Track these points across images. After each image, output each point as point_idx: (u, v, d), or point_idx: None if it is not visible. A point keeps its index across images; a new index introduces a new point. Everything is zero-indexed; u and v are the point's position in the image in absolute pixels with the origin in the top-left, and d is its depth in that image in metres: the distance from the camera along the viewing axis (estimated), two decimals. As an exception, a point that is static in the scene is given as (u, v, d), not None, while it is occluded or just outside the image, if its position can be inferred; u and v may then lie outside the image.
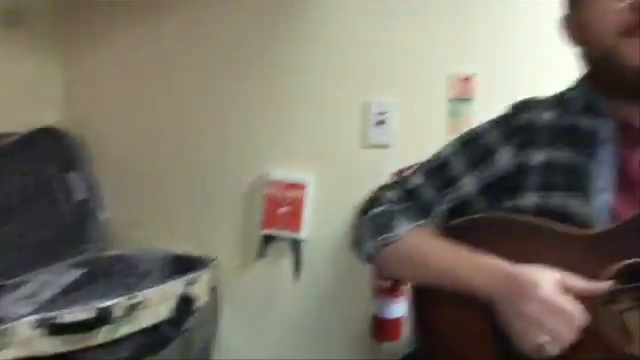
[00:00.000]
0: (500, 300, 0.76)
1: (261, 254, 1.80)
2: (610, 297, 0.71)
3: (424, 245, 0.88)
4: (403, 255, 0.89)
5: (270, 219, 1.77)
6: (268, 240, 1.79)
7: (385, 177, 1.06)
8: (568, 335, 0.70)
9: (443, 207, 0.91)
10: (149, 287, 1.41)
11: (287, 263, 1.80)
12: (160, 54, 1.91)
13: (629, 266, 0.70)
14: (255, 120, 1.83)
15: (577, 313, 0.70)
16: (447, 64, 1.65)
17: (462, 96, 1.64)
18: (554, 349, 0.70)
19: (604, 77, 0.82)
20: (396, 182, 0.98)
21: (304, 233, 1.75)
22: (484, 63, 1.60)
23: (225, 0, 1.82)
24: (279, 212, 1.76)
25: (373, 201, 0.96)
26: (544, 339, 0.70)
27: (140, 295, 1.35)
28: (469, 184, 0.89)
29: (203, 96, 1.87)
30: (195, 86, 1.88)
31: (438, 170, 0.92)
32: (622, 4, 0.75)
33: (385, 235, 0.89)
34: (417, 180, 0.94)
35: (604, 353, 0.70)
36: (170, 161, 1.90)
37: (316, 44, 1.76)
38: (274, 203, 1.76)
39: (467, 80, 1.63)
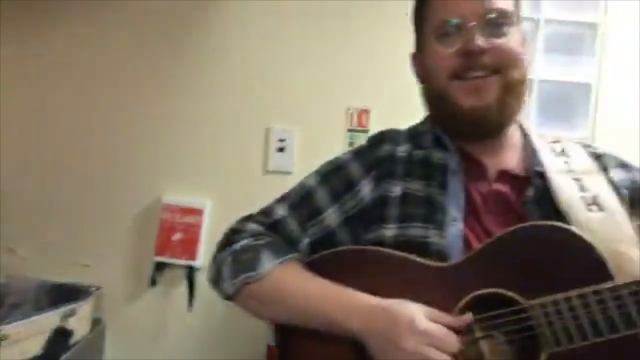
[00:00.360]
0: (372, 335, 0.76)
1: (153, 282, 1.72)
2: (466, 328, 0.74)
3: (288, 283, 0.85)
4: (265, 293, 0.85)
5: (164, 245, 1.69)
6: (160, 267, 1.72)
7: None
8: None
9: (307, 240, 0.89)
10: (17, 320, 1.27)
11: (180, 292, 1.73)
12: (45, 66, 1.78)
13: (478, 297, 0.73)
14: (151, 141, 1.76)
15: (455, 340, 0.72)
16: (346, 97, 1.74)
17: (359, 127, 1.72)
18: None
19: (441, 115, 0.88)
20: (259, 213, 0.94)
21: (200, 260, 1.70)
22: (378, 98, 1.72)
23: (124, 15, 1.75)
24: (173, 238, 1.69)
25: (235, 233, 0.92)
26: None
27: (4, 329, 1.22)
28: (332, 216, 0.89)
29: (91, 111, 1.76)
30: (84, 101, 1.77)
31: (302, 202, 0.91)
32: (451, 50, 0.82)
33: (248, 274, 0.85)
34: (281, 211, 0.91)
35: None
36: (52, 180, 1.76)
37: (218, 66, 1.75)
38: (168, 228, 1.69)
39: (364, 112, 1.72)
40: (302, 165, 1.73)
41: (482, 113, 0.82)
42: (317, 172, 0.94)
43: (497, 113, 0.82)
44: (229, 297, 0.89)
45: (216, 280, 0.90)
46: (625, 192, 0.82)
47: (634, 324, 0.64)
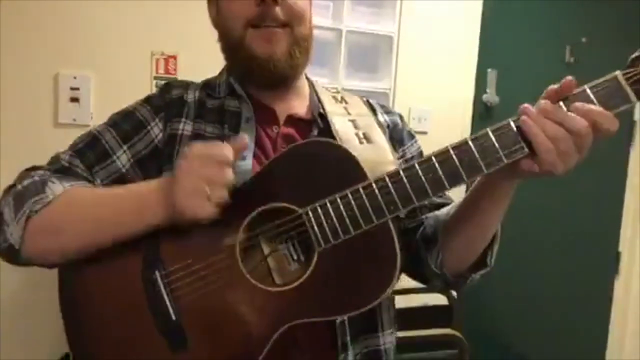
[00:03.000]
0: (164, 189, 0.78)
1: None
2: (250, 245, 0.82)
3: (81, 197, 0.83)
4: (57, 213, 0.80)
5: None
6: None
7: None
8: (223, 174, 0.76)
9: (98, 182, 0.89)
10: None
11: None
12: None
13: (262, 213, 0.81)
14: None
15: (225, 149, 0.76)
16: (150, 40, 1.66)
17: (166, 74, 1.67)
18: (216, 193, 0.75)
19: (235, 61, 0.95)
20: (45, 164, 0.91)
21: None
22: (185, 42, 1.67)
23: None
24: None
25: (17, 180, 0.87)
26: (203, 187, 0.74)
27: None
28: (122, 158, 0.91)
29: None
30: None
31: (89, 147, 0.91)
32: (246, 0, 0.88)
33: (35, 198, 0.80)
34: (67, 157, 0.90)
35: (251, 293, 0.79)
36: None
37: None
38: None
39: (171, 57, 1.66)
40: (100, 116, 1.59)
41: (273, 62, 0.90)
42: (106, 120, 0.95)
43: (286, 64, 0.91)
44: (17, 248, 0.80)
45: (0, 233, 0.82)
46: (387, 130, 1.00)
47: (383, 212, 0.76)
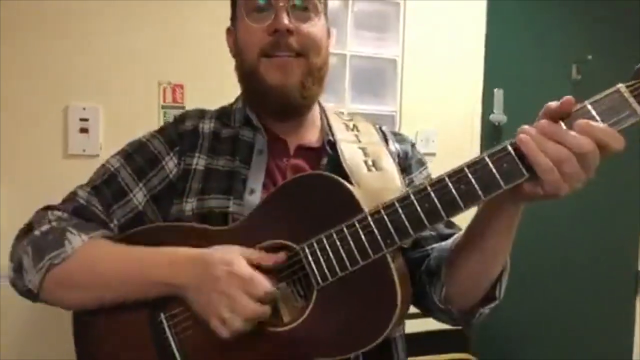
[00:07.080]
0: (191, 283, 0.79)
1: None
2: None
3: (99, 257, 0.85)
4: (74, 273, 0.83)
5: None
6: None
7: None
8: (249, 309, 0.76)
9: (115, 223, 0.91)
10: None
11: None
12: None
13: (266, 248, 0.82)
14: None
15: (263, 285, 0.77)
16: (158, 70, 1.69)
17: (174, 103, 1.70)
18: (233, 323, 0.75)
19: (252, 92, 0.96)
20: (62, 202, 0.93)
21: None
22: (193, 72, 1.71)
23: None
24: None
25: (35, 222, 0.89)
26: (224, 312, 0.75)
27: None
28: (138, 196, 0.91)
29: None
30: None
31: (105, 184, 0.92)
32: (261, 27, 0.90)
33: (53, 254, 0.83)
34: (84, 195, 0.91)
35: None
36: None
37: (5, 36, 1.56)
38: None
39: (178, 86, 1.70)
40: (109, 146, 1.63)
41: (285, 92, 0.90)
42: (120, 152, 0.96)
43: (299, 94, 0.91)
44: (35, 293, 0.84)
45: (18, 277, 0.85)
46: (397, 159, 0.99)
47: (380, 245, 0.75)
